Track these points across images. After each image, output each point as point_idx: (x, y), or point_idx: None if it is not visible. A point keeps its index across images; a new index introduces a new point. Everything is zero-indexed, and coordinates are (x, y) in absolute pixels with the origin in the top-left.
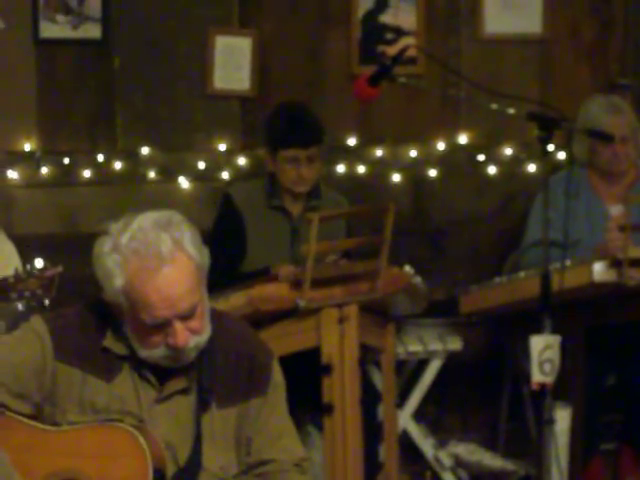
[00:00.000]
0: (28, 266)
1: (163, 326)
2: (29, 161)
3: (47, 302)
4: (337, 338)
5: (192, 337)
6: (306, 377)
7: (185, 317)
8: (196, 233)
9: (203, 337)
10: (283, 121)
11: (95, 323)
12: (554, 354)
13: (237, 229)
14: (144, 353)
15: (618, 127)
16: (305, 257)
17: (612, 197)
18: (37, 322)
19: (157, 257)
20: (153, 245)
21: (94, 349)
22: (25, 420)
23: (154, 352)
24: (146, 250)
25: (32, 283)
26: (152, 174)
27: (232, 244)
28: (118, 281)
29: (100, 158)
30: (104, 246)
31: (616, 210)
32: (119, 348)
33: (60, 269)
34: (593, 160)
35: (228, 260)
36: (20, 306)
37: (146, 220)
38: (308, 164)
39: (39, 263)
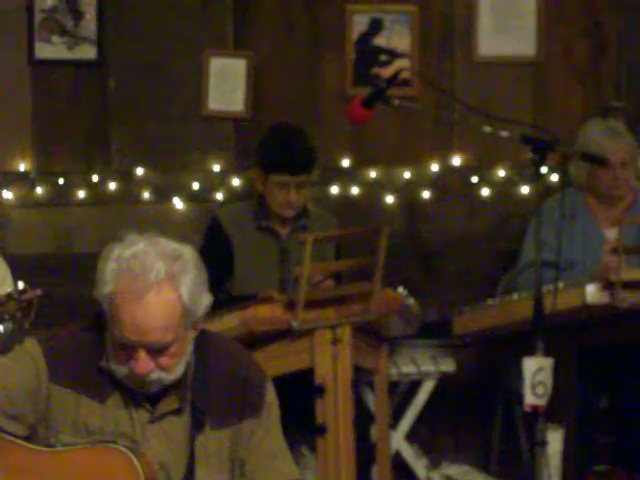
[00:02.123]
0: (9, 289)
1: (128, 348)
2: (24, 181)
3: (27, 325)
4: (330, 359)
5: (156, 371)
6: (299, 398)
7: (153, 350)
8: (201, 278)
9: (169, 377)
10: (275, 145)
11: (90, 345)
12: (547, 376)
13: (223, 251)
14: (112, 366)
15: (618, 152)
16: (298, 278)
17: (609, 220)
18: (31, 344)
19: (144, 283)
20: (147, 270)
21: (88, 370)
22: (19, 442)
23: (119, 368)
24: (139, 272)
25: (11, 306)
26: (146, 194)
27: (217, 266)
28: (107, 289)
29: (95, 178)
30: (112, 251)
31: (612, 233)
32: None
33: (39, 292)
34: (593, 184)
35: (212, 282)
36: (1, 328)
37: (155, 245)
38: (297, 190)
39: (20, 285)
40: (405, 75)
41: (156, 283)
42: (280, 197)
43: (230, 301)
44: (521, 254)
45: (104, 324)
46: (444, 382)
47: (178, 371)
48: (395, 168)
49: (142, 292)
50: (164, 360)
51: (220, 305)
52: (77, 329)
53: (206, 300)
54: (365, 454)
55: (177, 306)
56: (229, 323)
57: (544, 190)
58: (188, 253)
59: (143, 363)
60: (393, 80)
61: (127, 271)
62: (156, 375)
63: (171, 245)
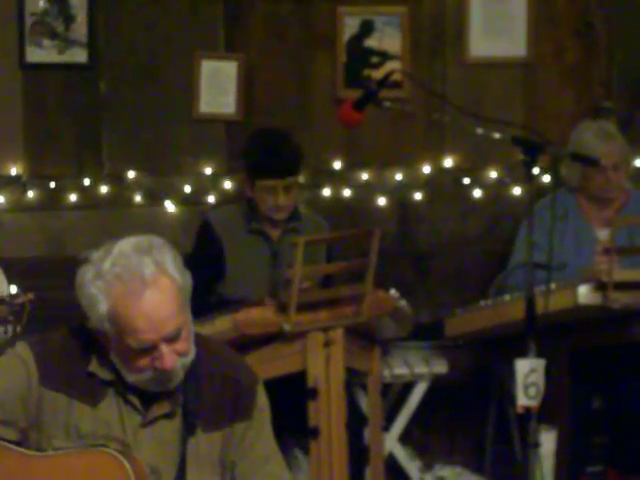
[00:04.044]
0: (3, 293)
1: (150, 350)
2: (15, 185)
3: (18, 330)
4: (323, 362)
5: (178, 359)
6: (292, 401)
7: (171, 339)
8: (177, 256)
9: (188, 358)
10: (260, 151)
11: (80, 348)
12: (539, 378)
13: (213, 254)
14: (132, 378)
15: (610, 154)
16: (290, 281)
17: (601, 221)
18: (22, 348)
19: (140, 281)
20: (136, 269)
21: (79, 374)
22: (10, 446)
23: (142, 376)
24: (129, 274)
25: (3, 310)
26: (138, 198)
27: (208, 269)
28: (103, 307)
29: (86, 182)
30: (86, 274)
31: (604, 234)
32: (104, 373)
33: (31, 297)
34: (585, 186)
35: (203, 285)
36: None
37: (127, 245)
38: (286, 193)
39: (12, 289)
40: (396, 77)
41: (151, 277)
42: (269, 201)
43: (221, 304)
44: (511, 255)
45: (97, 338)
46: (437, 384)
47: (193, 350)
48: (387, 170)
49: (142, 291)
50: (181, 345)
51: (211, 308)
52: (66, 333)
53: (187, 273)
54: (358, 456)
55: (175, 289)
56: (221, 326)
57: (536, 191)
58: (154, 238)
59: (169, 356)
60: (384, 82)
61: (116, 279)
62: (180, 363)
63: (137, 239)
